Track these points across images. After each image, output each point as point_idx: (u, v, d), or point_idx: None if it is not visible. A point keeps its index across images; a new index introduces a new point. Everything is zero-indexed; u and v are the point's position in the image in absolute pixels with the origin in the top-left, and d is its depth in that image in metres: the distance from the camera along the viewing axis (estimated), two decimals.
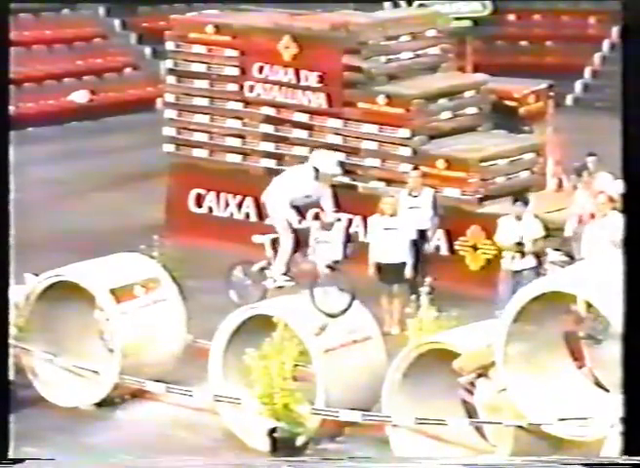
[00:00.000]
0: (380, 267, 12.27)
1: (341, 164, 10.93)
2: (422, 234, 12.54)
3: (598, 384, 9.38)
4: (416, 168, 13.28)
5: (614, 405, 8.81)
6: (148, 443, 10.05)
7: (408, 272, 12.23)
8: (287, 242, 10.51)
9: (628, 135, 8.12)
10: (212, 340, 10.52)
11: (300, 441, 9.83)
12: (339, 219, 10.65)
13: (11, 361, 8.63)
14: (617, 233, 11.89)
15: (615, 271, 9.25)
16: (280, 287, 10.63)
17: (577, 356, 9.48)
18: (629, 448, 8.18)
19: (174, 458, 9.37)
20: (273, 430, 9.87)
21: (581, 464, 8.36)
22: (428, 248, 12.54)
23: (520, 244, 12.04)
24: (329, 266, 10.32)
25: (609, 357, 9.34)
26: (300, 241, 10.55)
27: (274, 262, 10.64)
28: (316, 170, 10.45)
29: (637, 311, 8.09)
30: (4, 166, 8.43)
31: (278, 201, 10.48)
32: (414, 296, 10.37)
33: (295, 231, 10.50)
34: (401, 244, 12.23)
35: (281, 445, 9.84)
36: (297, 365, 9.92)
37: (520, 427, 9.07)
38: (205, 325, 10.94)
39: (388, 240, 12.20)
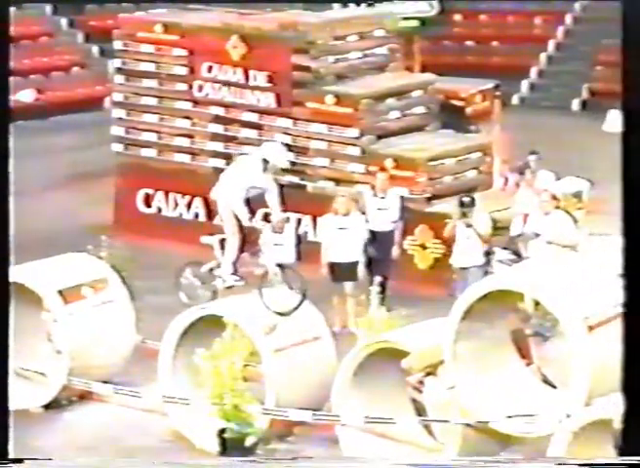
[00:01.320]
0: (332, 267, 12.29)
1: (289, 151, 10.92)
2: (387, 235, 12.52)
3: (546, 381, 9.48)
4: (382, 169, 13.29)
5: (561, 401, 8.92)
6: (97, 444, 9.99)
7: (361, 271, 12.26)
8: (234, 240, 10.49)
9: (628, 137, 8.12)
10: (161, 341, 10.48)
11: (249, 441, 9.82)
12: (287, 219, 10.64)
13: (11, 361, 8.55)
14: (561, 231, 12.07)
15: (561, 269, 9.37)
16: (230, 287, 10.62)
17: (524, 353, 9.57)
18: (629, 448, 8.13)
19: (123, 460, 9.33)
20: (223, 430, 9.86)
21: (581, 465, 8.37)
22: (395, 250, 12.56)
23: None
24: (279, 265, 10.32)
25: (556, 354, 9.45)
26: (249, 240, 10.55)
27: (223, 262, 10.62)
28: (265, 161, 10.45)
29: (636, 312, 8.11)
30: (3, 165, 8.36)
31: (228, 195, 10.45)
32: (365, 296, 10.42)
33: (242, 229, 10.49)
34: (354, 243, 12.27)
35: (231, 445, 9.82)
36: (247, 365, 9.91)
37: (468, 425, 9.14)
38: (154, 325, 10.90)
39: (341, 239, 12.23)
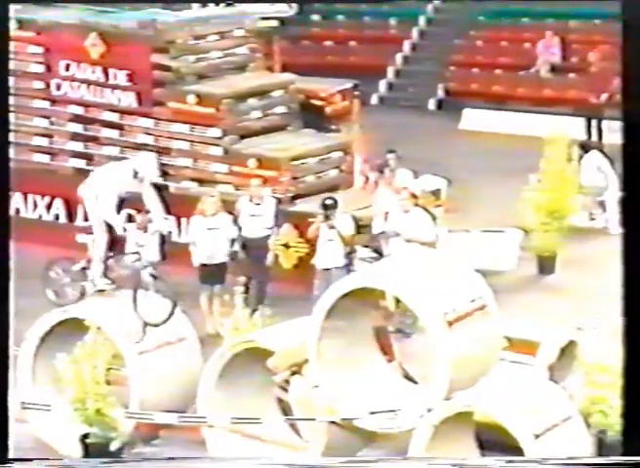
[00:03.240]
0: (201, 268, 12.22)
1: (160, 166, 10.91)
2: (261, 241, 12.46)
3: (407, 377, 9.68)
4: (260, 176, 13.21)
5: (422, 396, 9.12)
6: None
7: (228, 272, 12.22)
8: (102, 241, 10.37)
9: (628, 138, 8.21)
10: (20, 346, 10.26)
11: (114, 446, 9.72)
12: (150, 219, 10.56)
13: (11, 362, 8.23)
14: (420, 229, 12.32)
15: (420, 266, 9.58)
16: (100, 290, 10.49)
17: (386, 350, 9.75)
18: (629, 448, 8.19)
19: None
20: (86, 436, 9.73)
21: (583, 464, 8.47)
22: (269, 257, 12.53)
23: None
24: (151, 275, 10.22)
25: (417, 350, 9.66)
26: (118, 242, 10.45)
27: (92, 264, 10.50)
28: (135, 172, 10.39)
29: (636, 314, 8.23)
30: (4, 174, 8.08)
31: (99, 202, 10.33)
32: (229, 296, 10.43)
33: (111, 230, 10.37)
34: (222, 244, 12.23)
35: (94, 450, 9.70)
36: (110, 368, 9.80)
37: (333, 423, 9.25)
38: (13, 329, 10.65)
39: (210, 240, 12.19)
